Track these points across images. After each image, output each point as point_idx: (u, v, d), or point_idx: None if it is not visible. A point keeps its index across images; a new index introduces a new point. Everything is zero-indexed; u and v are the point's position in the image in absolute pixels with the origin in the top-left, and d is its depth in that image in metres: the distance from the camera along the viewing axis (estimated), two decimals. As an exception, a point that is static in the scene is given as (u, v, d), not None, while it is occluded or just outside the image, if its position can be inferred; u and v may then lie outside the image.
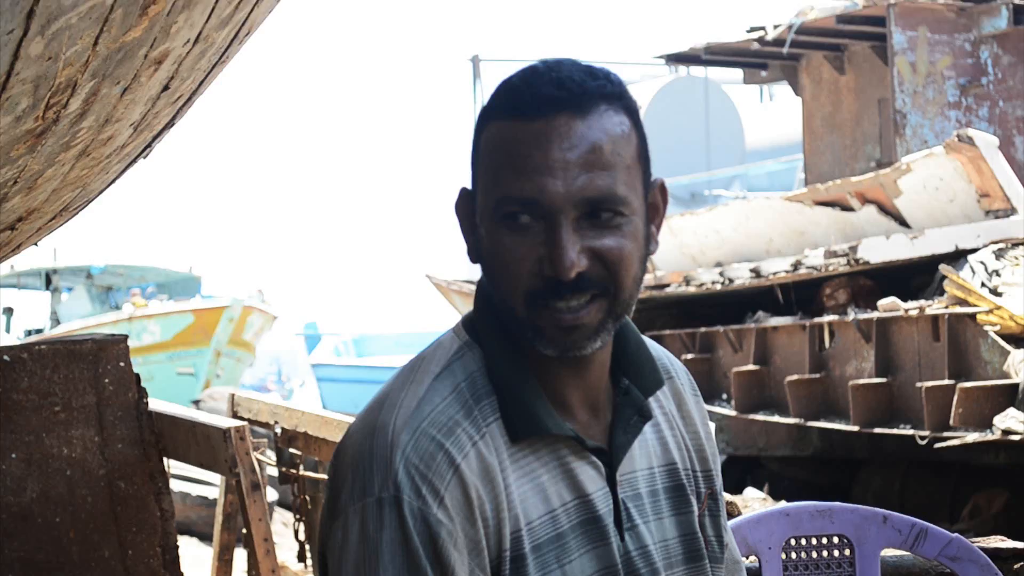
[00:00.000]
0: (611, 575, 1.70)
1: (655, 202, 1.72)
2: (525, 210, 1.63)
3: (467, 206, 1.73)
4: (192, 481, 11.47)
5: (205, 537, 10.68)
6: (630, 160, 1.67)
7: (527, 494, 1.65)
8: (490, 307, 1.72)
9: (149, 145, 3.53)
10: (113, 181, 3.72)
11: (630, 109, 1.69)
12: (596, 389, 1.73)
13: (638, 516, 1.74)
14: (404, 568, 1.57)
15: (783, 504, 3.18)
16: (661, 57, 14.55)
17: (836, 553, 2.61)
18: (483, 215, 1.68)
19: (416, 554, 1.57)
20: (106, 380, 5.21)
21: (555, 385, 1.71)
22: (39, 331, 24.15)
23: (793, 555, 2.67)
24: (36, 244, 3.94)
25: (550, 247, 1.62)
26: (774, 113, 22.23)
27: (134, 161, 3.61)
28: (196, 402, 14.24)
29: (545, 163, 1.62)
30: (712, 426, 1.88)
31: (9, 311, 25.91)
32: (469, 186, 1.73)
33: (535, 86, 1.65)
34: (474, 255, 1.72)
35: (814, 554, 2.65)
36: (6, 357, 4.97)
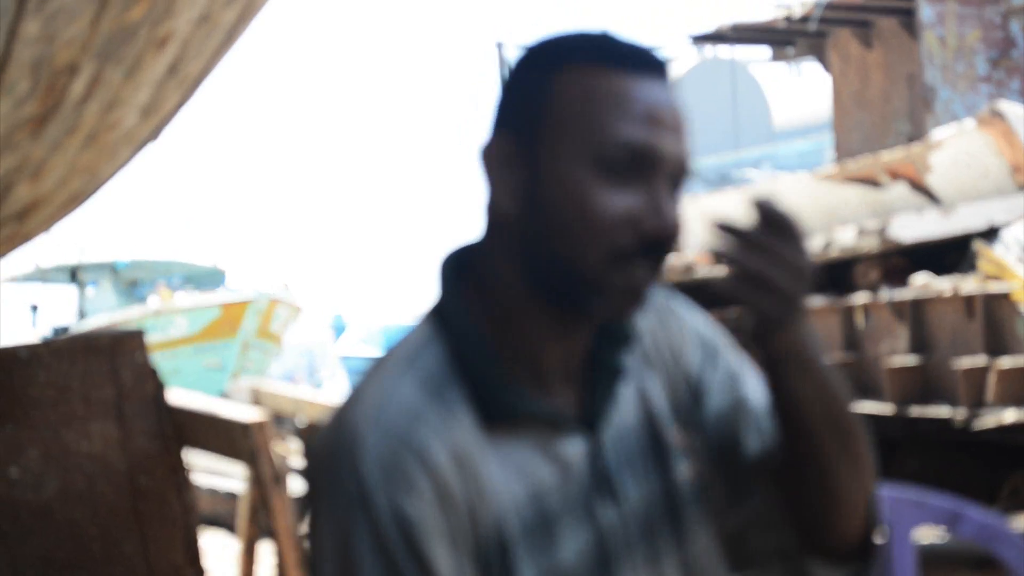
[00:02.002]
0: (599, 545, 1.64)
1: None
2: (633, 160, 1.55)
3: (507, 151, 1.61)
4: (221, 476, 11.46)
5: (232, 530, 10.67)
6: None
7: (506, 476, 1.60)
8: (461, 290, 1.65)
9: (158, 129, 3.45)
10: (123, 167, 3.64)
11: None
12: (581, 357, 1.67)
13: (624, 480, 1.68)
14: (381, 565, 1.52)
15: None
16: (689, 37, 14.47)
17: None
18: (558, 163, 1.56)
19: (391, 551, 1.52)
20: (124, 373, 5.13)
21: (541, 357, 1.64)
22: (65, 329, 24.22)
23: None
24: (47, 231, 3.86)
25: (655, 203, 1.56)
26: (802, 92, 22.13)
27: (143, 146, 3.52)
28: (224, 395, 14.24)
29: (663, 117, 1.58)
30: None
31: (34, 308, 26.01)
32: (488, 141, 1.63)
33: (626, 44, 1.61)
34: (514, 204, 1.60)
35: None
36: (23, 353, 4.93)
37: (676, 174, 1.59)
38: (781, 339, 1.61)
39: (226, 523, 10.84)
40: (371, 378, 1.63)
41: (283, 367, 28.52)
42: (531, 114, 1.60)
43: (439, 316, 1.66)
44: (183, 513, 5.25)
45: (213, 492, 10.98)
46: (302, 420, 5.65)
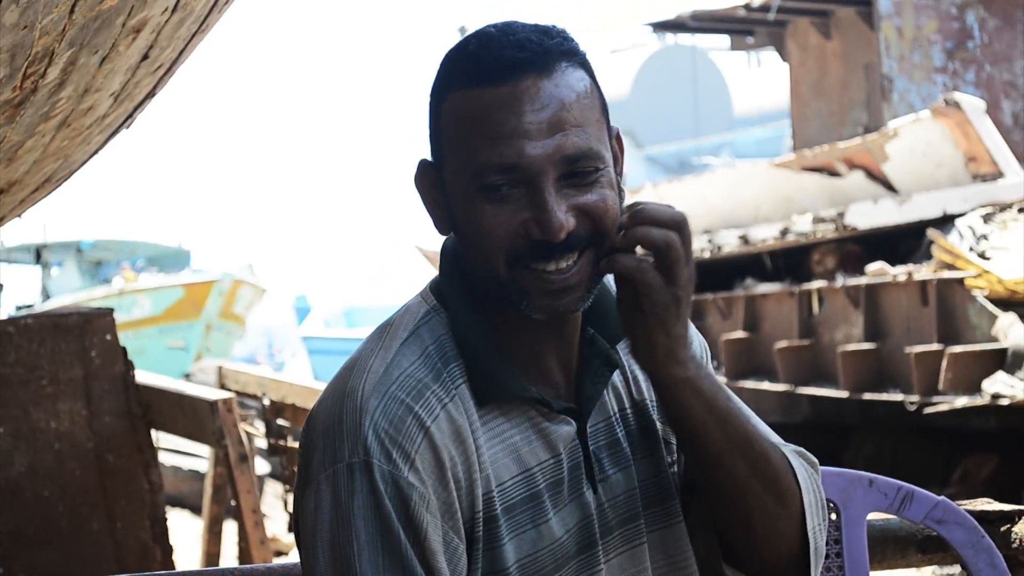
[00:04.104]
0: (585, 528, 1.70)
1: (615, 151, 1.72)
2: (504, 178, 1.62)
3: (429, 178, 1.72)
4: (183, 454, 11.46)
5: (197, 510, 10.68)
6: (597, 114, 1.67)
7: (499, 455, 1.66)
8: (457, 271, 1.72)
9: (131, 115, 3.51)
10: (95, 152, 3.70)
11: (585, 63, 1.68)
12: (570, 344, 1.73)
13: (610, 465, 1.74)
14: (377, 532, 1.57)
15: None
16: (648, 25, 14.51)
17: (822, 517, 2.62)
18: (455, 187, 1.66)
19: (389, 518, 1.57)
20: (93, 353, 5.19)
21: (528, 345, 1.71)
22: (29, 307, 24.10)
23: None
24: (20, 216, 3.91)
25: (538, 211, 1.61)
26: (762, 80, 22.19)
27: (116, 132, 3.58)
28: (187, 376, 14.22)
29: (520, 127, 1.61)
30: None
31: (-1, 287, 25.84)
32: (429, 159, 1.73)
33: (495, 50, 1.63)
34: (444, 227, 1.72)
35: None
36: (-8, 331, 4.95)
37: (563, 168, 1.63)
38: (668, 362, 1.65)
39: (189, 503, 10.86)
40: (372, 347, 1.69)
41: (246, 348, 28.42)
42: (433, 144, 1.71)
43: (439, 294, 1.73)
44: (150, 491, 5.30)
45: (177, 471, 10.98)
46: (267, 400, 5.71)
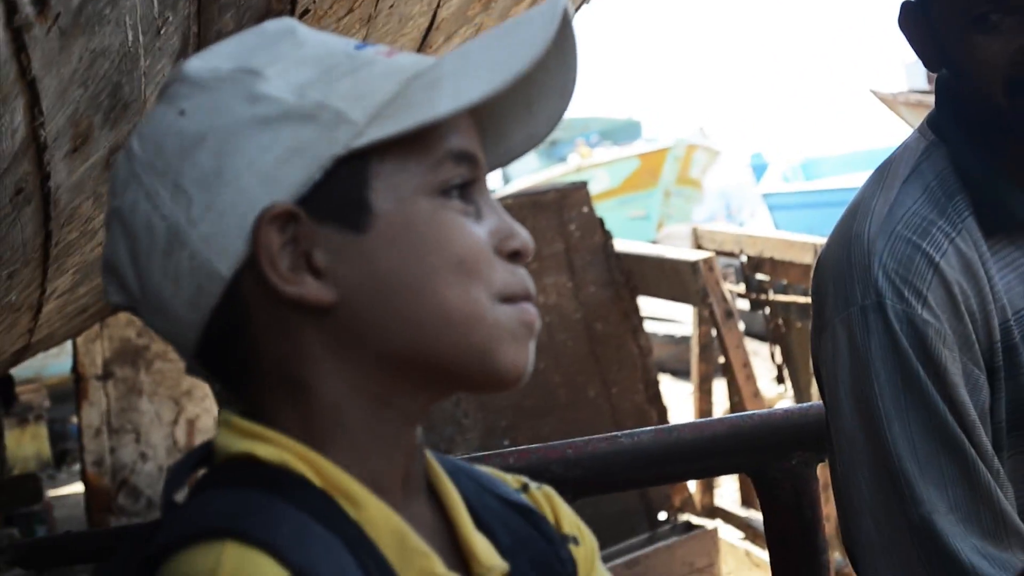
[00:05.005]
0: None
1: None
2: (995, 7, 1.59)
3: (915, 18, 1.71)
4: (659, 320, 11.67)
5: (678, 373, 10.89)
6: None
7: (1011, 283, 1.64)
8: (953, 103, 1.70)
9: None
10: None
11: None
12: None
13: None
14: (896, 372, 1.57)
15: None
16: None
17: None
18: (944, 23, 1.65)
19: (906, 356, 1.57)
20: (572, 227, 5.33)
21: None
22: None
23: None
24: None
25: None
26: None
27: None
28: (653, 243, 14.46)
29: None
30: None
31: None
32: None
33: None
34: (935, 63, 1.71)
35: None
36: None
37: None
38: None
39: (669, 368, 11.08)
40: (874, 188, 1.69)
41: (705, 211, 28.60)
42: None
43: (936, 128, 1.71)
44: (640, 355, 5.42)
45: (654, 336, 11.21)
46: (744, 257, 5.70)
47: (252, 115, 1.06)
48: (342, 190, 1.05)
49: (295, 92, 1.06)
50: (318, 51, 1.09)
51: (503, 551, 1.14)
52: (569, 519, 1.26)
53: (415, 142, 1.06)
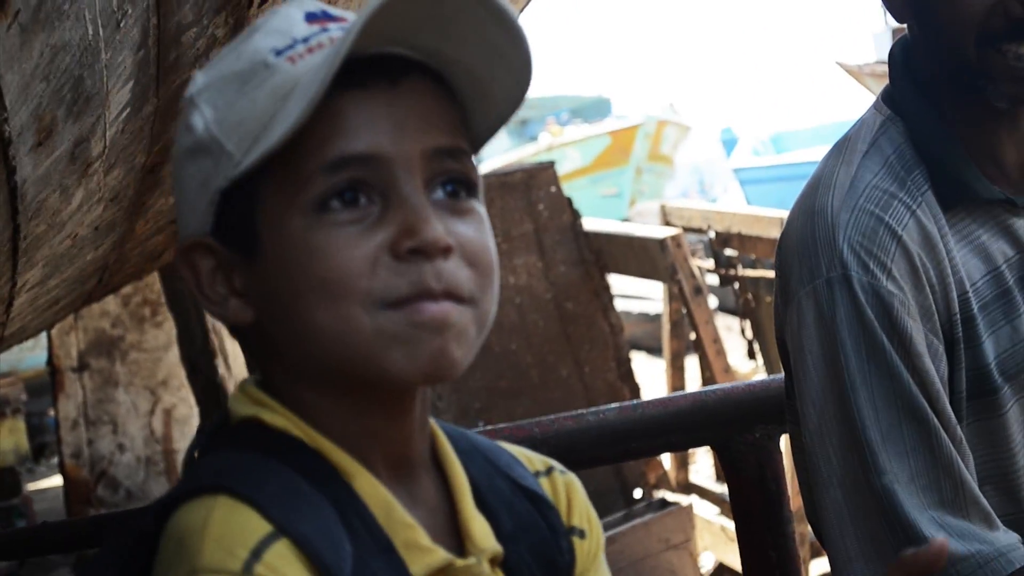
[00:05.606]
0: None
1: None
2: None
3: None
4: (630, 298, 11.70)
5: (652, 350, 10.92)
6: None
7: (968, 256, 1.66)
8: (907, 77, 1.72)
9: None
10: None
11: None
12: None
13: None
14: (862, 342, 1.59)
15: None
16: None
17: None
18: None
19: (872, 327, 1.59)
20: (540, 207, 5.35)
21: (987, 144, 1.70)
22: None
23: None
24: None
25: None
26: None
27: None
28: (625, 220, 14.48)
29: None
30: None
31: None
32: None
33: None
34: (903, 13, 1.72)
35: None
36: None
37: None
38: None
39: (643, 345, 11.12)
40: (834, 163, 1.72)
41: (677, 187, 28.58)
42: None
43: (892, 103, 1.73)
44: (611, 333, 5.45)
45: (627, 315, 11.24)
46: (712, 233, 5.73)
47: (185, 146, 1.12)
48: (236, 218, 1.09)
49: (205, 121, 1.10)
50: (242, 65, 1.10)
51: (503, 535, 1.16)
52: (582, 511, 1.28)
53: (288, 161, 1.06)
